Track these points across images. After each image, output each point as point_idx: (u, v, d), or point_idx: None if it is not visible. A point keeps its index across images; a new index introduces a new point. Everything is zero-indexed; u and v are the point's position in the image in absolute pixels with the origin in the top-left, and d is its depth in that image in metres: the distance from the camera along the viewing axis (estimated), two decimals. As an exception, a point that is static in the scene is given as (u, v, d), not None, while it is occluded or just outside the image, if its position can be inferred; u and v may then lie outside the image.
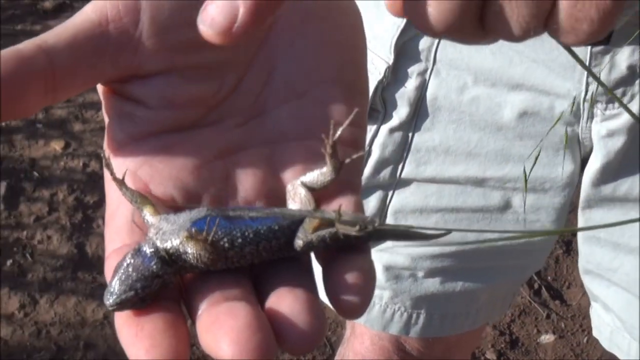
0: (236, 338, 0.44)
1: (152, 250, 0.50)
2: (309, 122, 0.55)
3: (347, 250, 0.51)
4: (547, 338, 2.42)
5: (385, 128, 1.08)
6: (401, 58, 1.04)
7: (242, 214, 0.51)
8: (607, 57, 0.98)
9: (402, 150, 1.09)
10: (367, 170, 1.11)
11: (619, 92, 1.00)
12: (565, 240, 2.55)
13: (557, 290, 2.53)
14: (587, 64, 0.99)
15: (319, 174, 0.53)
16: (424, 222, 1.13)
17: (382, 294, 1.20)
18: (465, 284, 1.18)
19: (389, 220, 1.14)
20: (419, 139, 1.08)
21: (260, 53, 0.56)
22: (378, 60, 1.04)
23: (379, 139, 1.08)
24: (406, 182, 1.11)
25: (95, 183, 2.66)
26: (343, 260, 0.50)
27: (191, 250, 0.49)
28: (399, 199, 1.12)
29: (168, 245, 0.50)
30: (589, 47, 0.98)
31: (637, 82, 0.99)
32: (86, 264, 2.47)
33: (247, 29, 0.45)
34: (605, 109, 1.02)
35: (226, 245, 0.50)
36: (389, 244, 1.16)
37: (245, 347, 0.44)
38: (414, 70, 1.04)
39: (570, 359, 2.36)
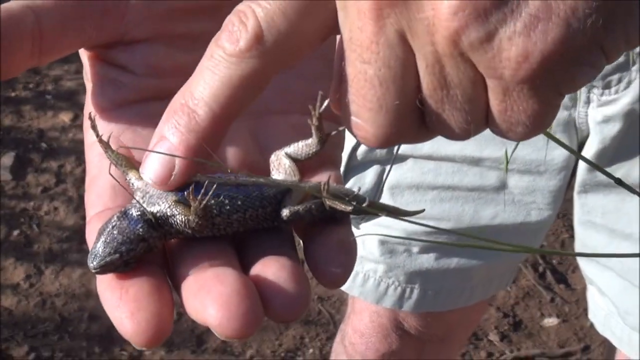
0: (224, 304, 0.44)
1: (138, 213, 0.49)
2: (292, 96, 0.56)
3: (328, 222, 0.51)
4: (550, 321, 2.42)
5: None
6: None
7: (229, 181, 0.51)
8: None
9: None
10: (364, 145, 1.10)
11: (615, 78, 1.00)
12: (571, 224, 2.54)
13: (562, 274, 2.52)
14: None
15: (303, 145, 0.54)
16: (421, 198, 1.13)
17: (376, 267, 1.21)
18: (460, 261, 1.18)
19: (385, 194, 1.14)
20: None
21: None
22: None
23: None
24: (403, 158, 1.11)
25: (103, 156, 2.68)
26: (324, 232, 0.50)
27: (179, 214, 0.49)
28: (396, 174, 1.12)
29: (155, 208, 0.50)
30: None
31: (633, 68, 0.98)
32: (92, 236, 2.48)
33: (186, 176, 0.48)
34: (602, 94, 1.01)
35: (214, 211, 0.50)
36: (383, 219, 1.16)
37: (233, 312, 0.43)
38: None
39: (573, 343, 2.36)
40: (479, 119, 0.43)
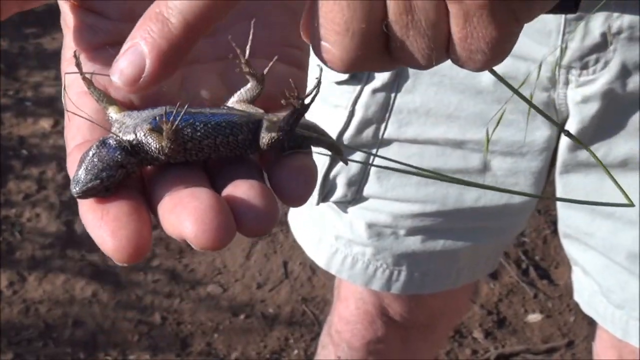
0: (200, 217, 0.47)
1: (116, 142, 0.53)
2: (257, 42, 0.58)
3: (290, 151, 0.55)
4: (534, 317, 2.43)
5: (368, 89, 1.09)
6: None
7: (202, 110, 0.54)
8: (581, 24, 0.99)
9: (384, 111, 1.10)
10: (350, 130, 1.12)
11: (592, 58, 1.01)
12: (553, 221, 2.56)
13: (545, 269, 2.54)
14: (561, 30, 1.00)
15: (245, 91, 0.57)
16: (406, 182, 1.15)
17: (364, 250, 1.22)
18: (446, 243, 1.20)
19: (372, 178, 1.15)
20: (401, 100, 1.09)
21: None
22: None
23: (362, 100, 1.10)
24: (388, 142, 1.12)
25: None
26: (287, 158, 0.54)
27: (153, 141, 0.52)
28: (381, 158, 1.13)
29: (131, 137, 0.53)
30: (563, 15, 0.98)
31: (610, 48, 1.00)
32: (75, 242, 2.48)
33: (154, 80, 0.49)
34: (580, 75, 1.03)
35: (186, 136, 0.53)
36: (370, 202, 1.17)
37: (208, 225, 0.47)
38: None
39: (557, 338, 2.37)
40: (440, 46, 0.46)
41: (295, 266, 2.49)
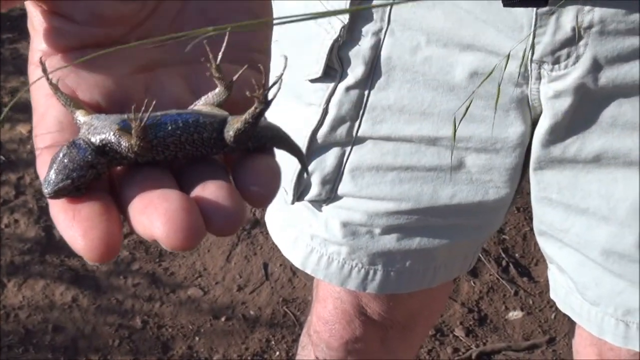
0: (170, 218, 0.48)
1: (86, 143, 0.54)
2: (220, 47, 0.59)
3: (254, 153, 0.57)
4: (515, 315, 2.44)
5: (342, 86, 1.09)
6: (356, 18, 1.05)
7: (169, 112, 0.56)
8: (553, 19, 0.99)
9: (358, 109, 1.10)
10: (324, 127, 1.12)
11: (563, 53, 1.01)
12: (532, 217, 2.57)
13: (525, 267, 2.55)
14: (532, 25, 1.00)
15: (213, 95, 0.58)
16: (381, 180, 1.14)
17: (339, 250, 1.21)
18: (422, 241, 1.19)
19: (346, 176, 1.15)
20: (375, 98, 1.09)
21: None
22: (334, 19, 1.06)
23: (336, 97, 1.10)
24: (362, 140, 1.12)
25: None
26: (251, 159, 0.56)
27: (123, 140, 0.54)
28: (356, 156, 1.13)
29: (101, 137, 0.54)
30: (535, 9, 0.98)
31: (581, 43, 1.00)
32: (54, 247, 2.47)
33: None
34: (552, 70, 1.03)
35: (154, 133, 0.54)
36: (345, 201, 1.17)
37: (179, 226, 0.48)
38: (368, 29, 1.06)
39: (538, 335, 2.38)
40: None
41: (276, 268, 2.49)
